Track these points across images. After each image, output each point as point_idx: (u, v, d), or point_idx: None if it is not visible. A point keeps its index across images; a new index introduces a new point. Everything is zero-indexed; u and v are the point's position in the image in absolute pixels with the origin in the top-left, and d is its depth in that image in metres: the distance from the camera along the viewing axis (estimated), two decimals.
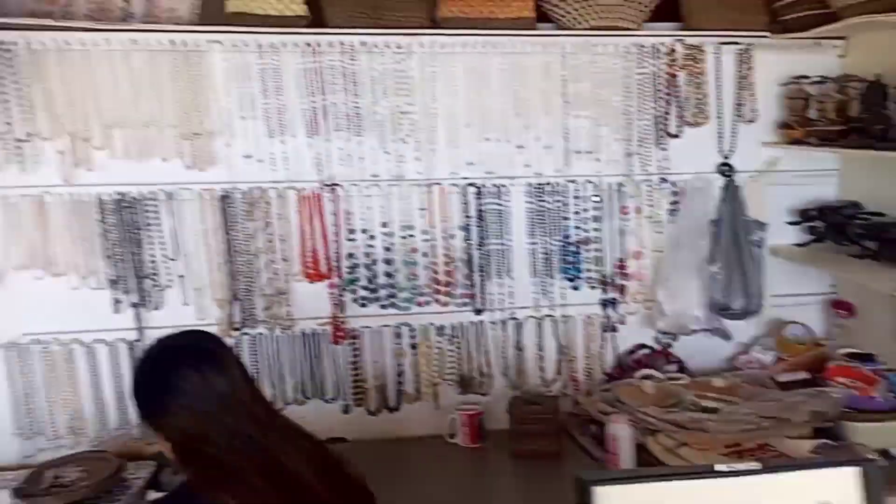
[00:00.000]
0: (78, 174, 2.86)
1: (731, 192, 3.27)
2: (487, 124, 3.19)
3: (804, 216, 3.33)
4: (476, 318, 3.20)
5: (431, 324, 3.16)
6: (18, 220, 2.82)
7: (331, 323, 3.07)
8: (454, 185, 3.17)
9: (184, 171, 2.94)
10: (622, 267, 3.32)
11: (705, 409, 2.84)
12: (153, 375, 1.83)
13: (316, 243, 3.06)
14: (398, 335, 3.13)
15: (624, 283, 3.32)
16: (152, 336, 2.78)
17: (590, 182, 3.27)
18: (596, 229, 3.30)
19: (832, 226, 3.20)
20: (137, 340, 2.92)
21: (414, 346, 3.16)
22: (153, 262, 2.93)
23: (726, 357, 3.40)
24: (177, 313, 2.93)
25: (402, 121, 3.12)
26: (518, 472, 2.87)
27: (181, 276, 2.96)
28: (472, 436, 3.03)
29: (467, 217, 3.18)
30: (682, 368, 3.32)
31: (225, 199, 2.97)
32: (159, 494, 2.58)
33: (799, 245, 3.34)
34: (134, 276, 2.90)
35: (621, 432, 2.71)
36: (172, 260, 2.95)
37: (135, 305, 2.91)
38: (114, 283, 2.89)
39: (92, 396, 2.90)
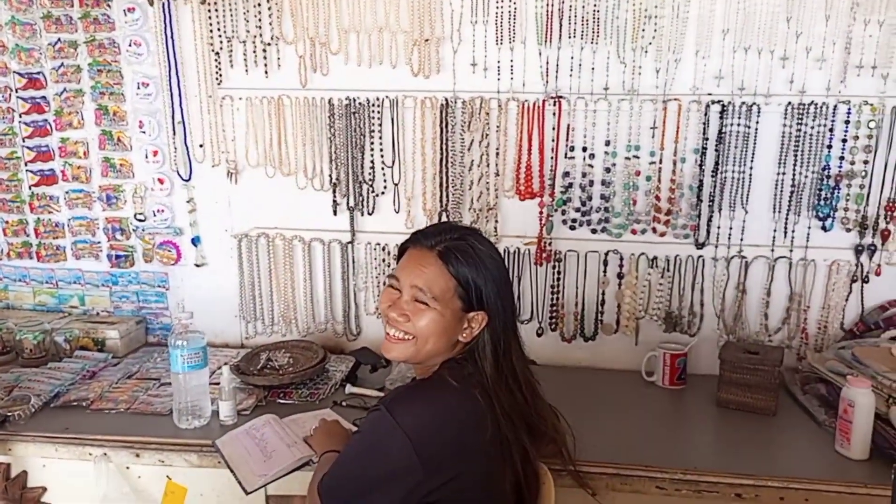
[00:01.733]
0: (313, 78, 2.05)
1: None
2: (748, 31, 1.88)
3: None
4: (696, 253, 2.01)
5: (643, 254, 2.03)
6: (258, 121, 2.10)
7: (536, 243, 2.06)
8: (695, 101, 1.93)
9: (410, 78, 2.01)
10: (892, 209, 1.91)
11: None
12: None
13: (532, 159, 2.02)
14: (605, 262, 2.05)
15: (890, 227, 1.93)
16: (364, 239, 2.12)
17: (867, 104, 1.87)
18: (865, 161, 1.90)
19: None
20: (350, 242, 2.15)
21: (620, 276, 2.05)
22: (372, 167, 2.08)
23: None
24: (388, 220, 2.11)
25: (646, 26, 1.92)
26: (721, 422, 1.82)
27: (395, 184, 2.09)
28: (672, 377, 1.97)
29: (705, 139, 1.95)
30: None
31: (445, 107, 2.01)
32: (355, 389, 1.99)
33: None
34: (353, 181, 2.09)
35: (862, 398, 1.55)
36: (389, 167, 2.08)
37: (350, 209, 2.12)
38: (335, 185, 2.11)
39: (305, 290, 2.21)
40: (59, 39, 2.14)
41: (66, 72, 2.16)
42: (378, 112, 2.05)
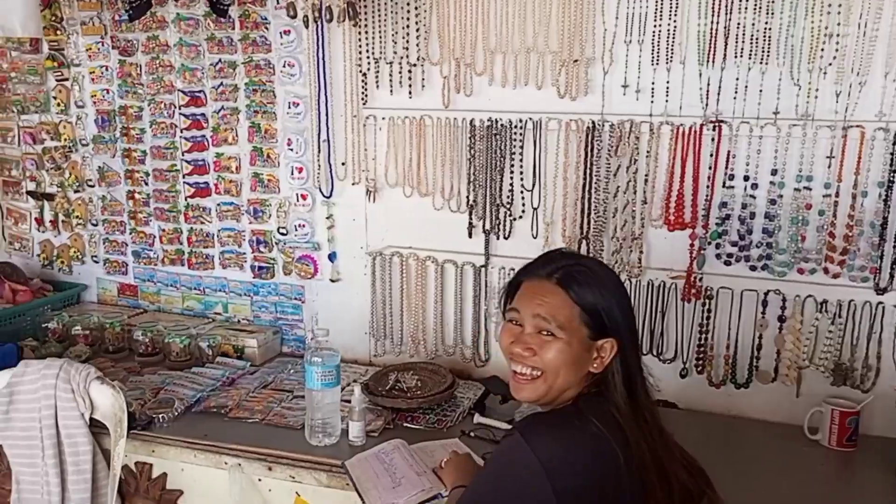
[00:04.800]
0: (456, 99, 1.96)
1: None
2: None
3: None
4: (875, 298, 1.72)
5: (811, 296, 1.76)
6: (399, 141, 2.03)
7: (684, 277, 1.84)
8: (882, 129, 1.65)
9: (555, 100, 1.87)
10: None
11: None
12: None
13: (685, 187, 1.81)
14: (765, 303, 1.79)
15: None
16: (498, 263, 1.99)
17: None
18: None
19: None
20: (483, 266, 2.02)
21: (782, 319, 1.78)
22: (511, 190, 1.95)
23: None
24: (524, 244, 1.95)
25: (826, 45, 1.68)
26: None
27: (535, 208, 1.94)
28: (840, 437, 1.68)
29: (892, 171, 1.66)
30: None
31: (592, 131, 1.85)
32: (483, 419, 1.90)
33: None
34: (490, 203, 1.97)
35: None
36: (529, 191, 1.94)
37: (486, 232, 1.99)
38: (471, 207, 1.99)
39: (435, 312, 2.10)
40: (220, 60, 2.19)
41: (225, 90, 2.20)
42: (520, 134, 1.92)
